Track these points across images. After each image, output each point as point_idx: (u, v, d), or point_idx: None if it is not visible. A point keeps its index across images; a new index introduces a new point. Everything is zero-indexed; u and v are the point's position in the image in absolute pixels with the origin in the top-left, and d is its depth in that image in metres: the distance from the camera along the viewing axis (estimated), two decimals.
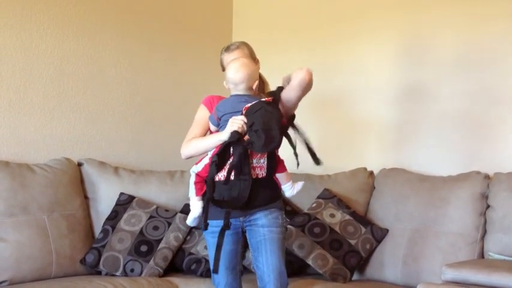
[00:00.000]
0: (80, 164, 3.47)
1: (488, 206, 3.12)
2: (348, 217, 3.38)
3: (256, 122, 2.48)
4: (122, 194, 3.43)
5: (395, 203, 3.38)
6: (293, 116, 2.72)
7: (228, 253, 2.63)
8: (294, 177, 2.78)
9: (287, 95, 2.62)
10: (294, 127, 2.70)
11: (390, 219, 3.37)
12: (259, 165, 2.58)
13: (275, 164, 2.64)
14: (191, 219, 2.73)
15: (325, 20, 4.01)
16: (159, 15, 4.00)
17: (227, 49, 2.80)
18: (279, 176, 2.70)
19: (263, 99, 2.57)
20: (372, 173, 3.65)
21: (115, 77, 3.77)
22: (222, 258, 2.60)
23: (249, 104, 2.55)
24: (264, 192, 2.62)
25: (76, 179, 3.38)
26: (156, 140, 3.98)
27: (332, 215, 3.37)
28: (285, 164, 2.73)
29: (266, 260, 2.59)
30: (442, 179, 3.30)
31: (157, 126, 3.99)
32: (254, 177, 2.56)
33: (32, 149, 3.37)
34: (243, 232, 2.68)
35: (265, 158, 2.59)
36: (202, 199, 2.67)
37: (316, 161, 2.71)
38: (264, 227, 2.62)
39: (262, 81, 2.80)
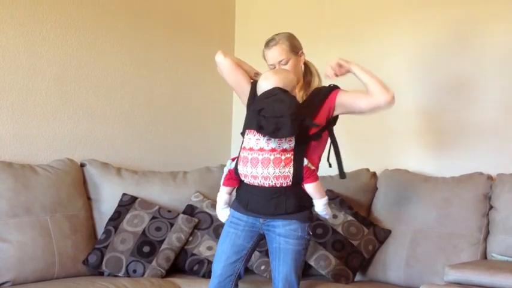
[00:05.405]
0: (82, 165, 3.47)
1: (491, 207, 3.12)
2: (350, 218, 3.37)
3: (266, 108, 2.44)
4: (124, 194, 3.43)
5: (398, 204, 3.38)
6: (335, 118, 2.70)
7: (235, 246, 2.63)
8: None
9: (347, 102, 2.61)
10: (331, 132, 2.68)
11: (393, 220, 3.36)
12: (284, 174, 2.50)
13: (302, 173, 2.54)
14: (218, 213, 2.75)
15: (329, 20, 4.01)
16: (162, 16, 4.00)
17: (266, 45, 2.72)
18: (307, 188, 2.57)
19: (280, 87, 2.52)
20: (374, 173, 3.64)
21: (118, 78, 3.76)
22: (227, 249, 2.63)
23: (265, 86, 2.54)
24: (287, 202, 2.55)
25: (79, 179, 3.38)
26: (159, 141, 3.98)
27: (335, 216, 3.36)
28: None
29: (278, 268, 2.59)
30: (444, 180, 3.30)
31: (160, 127, 3.99)
32: (279, 186, 2.51)
33: (34, 149, 3.37)
34: (261, 234, 2.66)
35: (291, 167, 2.51)
36: (229, 193, 2.69)
37: (342, 174, 2.73)
38: (280, 236, 2.58)
39: (310, 73, 2.78)
